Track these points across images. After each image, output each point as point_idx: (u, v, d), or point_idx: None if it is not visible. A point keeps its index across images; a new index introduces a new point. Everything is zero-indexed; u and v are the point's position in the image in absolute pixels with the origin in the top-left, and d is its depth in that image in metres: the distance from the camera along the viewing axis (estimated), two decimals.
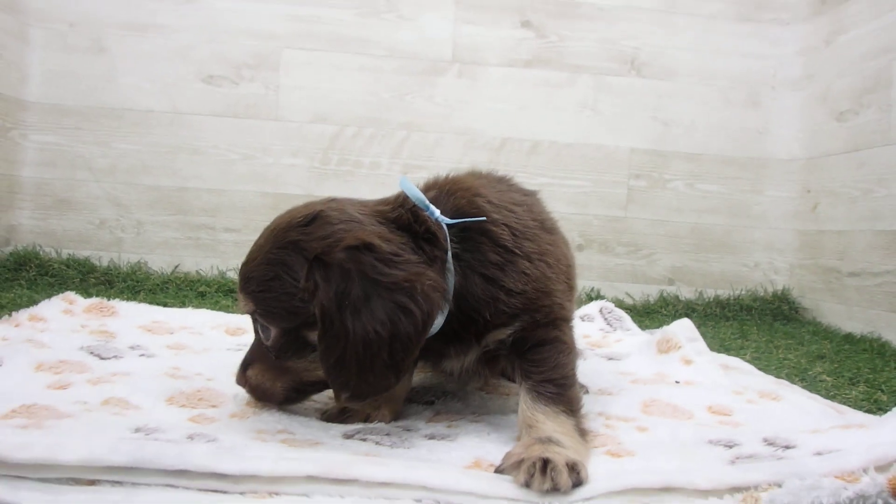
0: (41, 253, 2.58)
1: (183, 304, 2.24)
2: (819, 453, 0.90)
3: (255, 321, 1.05)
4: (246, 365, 1.08)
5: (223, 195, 2.72)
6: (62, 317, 1.72)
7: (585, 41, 2.81)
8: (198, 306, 2.20)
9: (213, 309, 2.14)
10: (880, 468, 0.82)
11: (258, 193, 2.72)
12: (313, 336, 0.96)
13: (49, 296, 2.08)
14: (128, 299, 2.16)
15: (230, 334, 1.82)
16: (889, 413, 1.03)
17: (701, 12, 2.83)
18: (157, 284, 2.52)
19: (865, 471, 0.81)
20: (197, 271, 2.67)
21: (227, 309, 2.19)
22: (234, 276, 2.67)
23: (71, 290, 2.27)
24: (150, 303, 2.14)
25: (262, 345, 1.05)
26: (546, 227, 1.19)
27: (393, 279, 0.92)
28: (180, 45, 2.69)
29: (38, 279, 2.44)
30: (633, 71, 2.82)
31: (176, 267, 2.67)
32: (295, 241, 0.97)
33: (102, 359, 1.39)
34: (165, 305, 2.17)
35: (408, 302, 0.91)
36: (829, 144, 2.67)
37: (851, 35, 2.56)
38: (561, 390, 1.01)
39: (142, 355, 1.47)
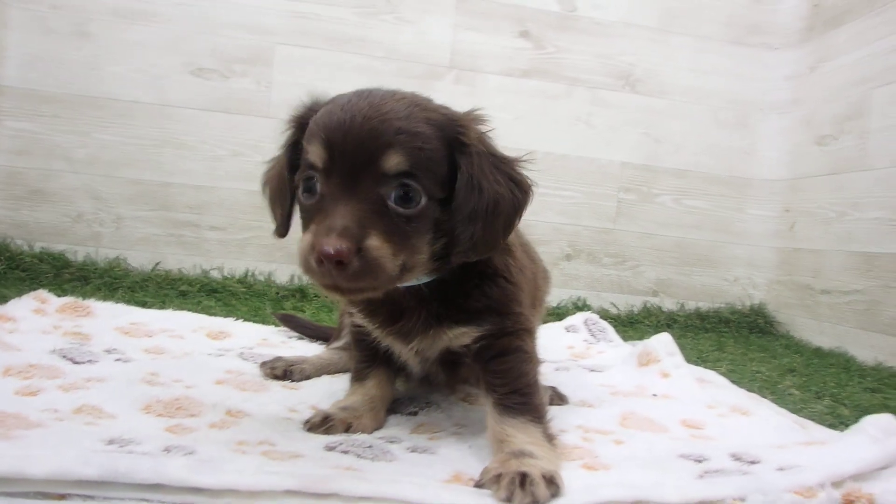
0: (12, 245, 2.48)
1: (163, 304, 2.20)
2: (781, 469, 0.96)
3: (376, 182, 0.92)
4: (351, 231, 0.88)
5: (210, 192, 2.67)
6: (33, 317, 1.67)
7: (582, 55, 2.87)
8: (179, 306, 2.17)
9: (194, 310, 2.10)
10: (836, 484, 0.89)
11: (246, 192, 2.68)
12: (437, 211, 0.98)
13: (19, 291, 2.01)
14: (105, 297, 2.11)
15: (212, 338, 1.80)
16: (847, 431, 1.10)
17: (695, 33, 2.93)
18: (136, 282, 2.46)
19: (822, 486, 0.88)
20: (179, 269, 2.61)
21: (209, 310, 2.16)
22: (218, 275, 2.62)
23: (43, 285, 2.21)
24: (129, 301, 2.10)
25: (379, 214, 0.91)
26: (525, 249, 1.27)
27: (506, 159, 1.05)
28: (170, 35, 2.61)
29: (7, 273, 2.35)
30: (627, 87, 2.90)
31: (157, 264, 2.61)
32: (433, 117, 0.99)
33: (76, 363, 1.35)
34: (145, 304, 2.13)
35: (521, 177, 1.05)
36: (810, 167, 2.81)
37: (835, 63, 2.70)
38: (526, 399, 1.05)
39: (118, 360, 1.43)
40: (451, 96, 2.79)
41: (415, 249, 0.96)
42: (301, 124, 1.04)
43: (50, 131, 2.56)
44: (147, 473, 0.80)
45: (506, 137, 2.92)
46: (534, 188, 1.05)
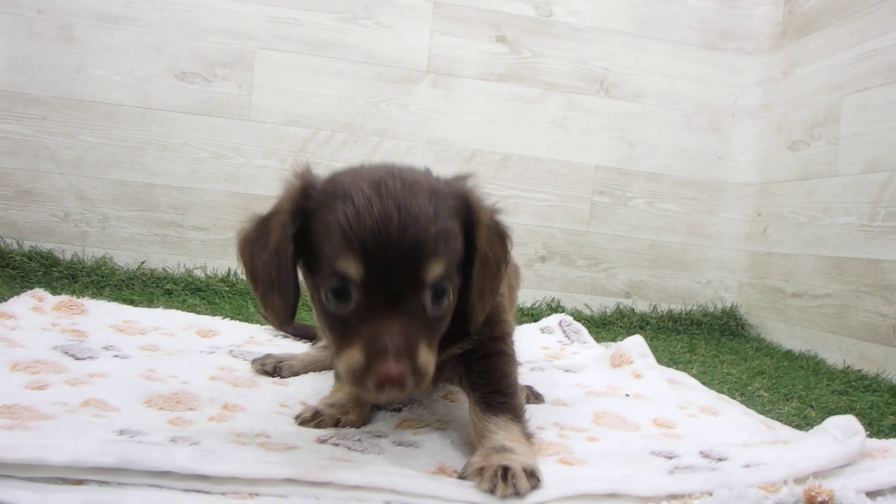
0: (2, 244, 2.58)
1: (150, 302, 2.28)
2: (747, 466, 1.01)
3: (417, 291, 0.93)
4: (406, 351, 0.90)
5: (192, 193, 2.75)
6: (32, 314, 1.74)
7: (558, 59, 2.93)
8: (165, 304, 2.25)
9: (181, 307, 2.18)
10: (798, 480, 0.92)
11: (228, 193, 2.76)
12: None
13: (10, 288, 2.10)
14: (93, 294, 2.19)
15: (202, 336, 1.87)
16: (811, 431, 1.15)
17: (670, 38, 2.98)
18: (123, 280, 2.54)
19: (785, 482, 0.91)
20: (163, 268, 2.69)
21: (195, 308, 2.24)
22: (201, 274, 2.70)
23: (34, 283, 2.29)
24: (116, 299, 2.16)
25: (420, 321, 0.93)
26: None
27: (495, 214, 1.09)
28: (153, 39, 2.69)
29: None
30: (602, 91, 2.95)
31: (142, 263, 2.70)
32: (449, 204, 0.98)
33: (77, 359, 1.43)
34: (132, 302, 2.20)
35: (506, 231, 1.09)
36: (781, 172, 2.85)
37: (808, 70, 2.74)
38: (507, 399, 1.11)
39: (116, 356, 1.51)
40: (429, 100, 2.89)
41: (439, 337, 1.00)
42: (301, 212, 0.98)
43: (37, 133, 2.64)
44: (158, 462, 0.86)
45: (482, 141, 3.00)
46: (511, 236, 1.11)
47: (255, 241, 1.01)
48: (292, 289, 1.00)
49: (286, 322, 1.02)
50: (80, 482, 0.85)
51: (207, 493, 0.86)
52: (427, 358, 0.92)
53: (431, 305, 0.94)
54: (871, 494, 0.92)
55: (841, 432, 1.06)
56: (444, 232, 0.94)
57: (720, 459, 1.07)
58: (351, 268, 0.90)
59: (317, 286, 0.96)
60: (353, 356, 0.90)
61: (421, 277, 0.92)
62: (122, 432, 0.99)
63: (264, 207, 1.04)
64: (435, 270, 0.93)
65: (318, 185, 0.99)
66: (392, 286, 0.91)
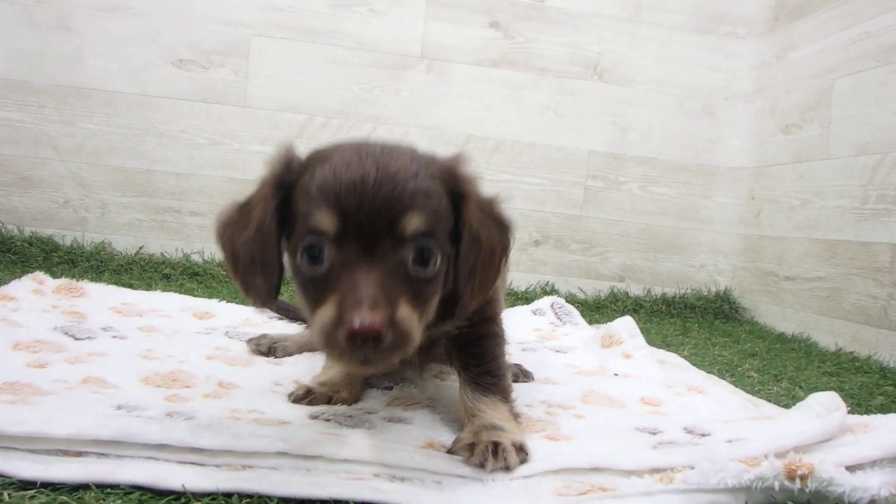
0: (3, 230, 2.65)
1: (149, 286, 2.34)
2: (729, 441, 1.03)
3: (396, 246, 0.89)
4: (383, 302, 0.83)
5: (190, 179, 2.81)
6: (33, 297, 1.79)
7: (551, 45, 2.97)
8: (163, 288, 2.30)
9: (178, 291, 2.24)
10: (779, 454, 0.93)
11: (225, 179, 2.81)
12: (446, 267, 0.97)
13: (12, 273, 2.16)
14: (92, 279, 2.25)
15: (198, 318, 1.93)
16: (794, 407, 1.16)
17: (663, 23, 3.01)
18: (122, 265, 2.61)
19: (766, 456, 0.92)
20: (161, 253, 2.76)
21: (192, 292, 2.30)
22: (199, 259, 2.76)
23: (34, 267, 2.35)
24: (115, 283, 2.23)
25: (402, 280, 0.88)
26: None
27: (493, 203, 1.06)
28: (150, 27, 2.75)
29: (0, 256, 2.51)
30: (595, 76, 3.00)
31: (140, 248, 2.76)
32: (433, 171, 0.96)
33: (77, 339, 1.48)
34: (131, 287, 2.26)
35: (506, 220, 1.05)
36: (775, 155, 2.88)
37: (800, 53, 2.77)
38: (496, 380, 1.14)
39: (114, 336, 1.56)
40: (422, 86, 2.93)
41: (430, 310, 0.96)
42: (284, 186, 0.96)
43: (37, 120, 2.71)
44: (155, 435, 0.90)
45: (475, 126, 3.04)
46: (513, 228, 1.06)
47: (236, 222, 0.98)
48: (276, 265, 0.95)
49: (270, 298, 0.97)
50: (79, 454, 0.89)
51: (202, 465, 0.89)
52: (408, 314, 0.85)
53: (413, 265, 0.89)
54: (851, 468, 0.93)
55: (823, 408, 1.08)
56: (423, 189, 0.90)
57: (703, 435, 1.10)
58: (325, 221, 0.87)
59: (293, 252, 0.92)
60: (325, 313, 0.84)
61: (398, 229, 0.87)
62: (120, 407, 1.03)
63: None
64: (413, 223, 0.88)
65: (300, 158, 0.99)
66: (368, 239, 0.87)
